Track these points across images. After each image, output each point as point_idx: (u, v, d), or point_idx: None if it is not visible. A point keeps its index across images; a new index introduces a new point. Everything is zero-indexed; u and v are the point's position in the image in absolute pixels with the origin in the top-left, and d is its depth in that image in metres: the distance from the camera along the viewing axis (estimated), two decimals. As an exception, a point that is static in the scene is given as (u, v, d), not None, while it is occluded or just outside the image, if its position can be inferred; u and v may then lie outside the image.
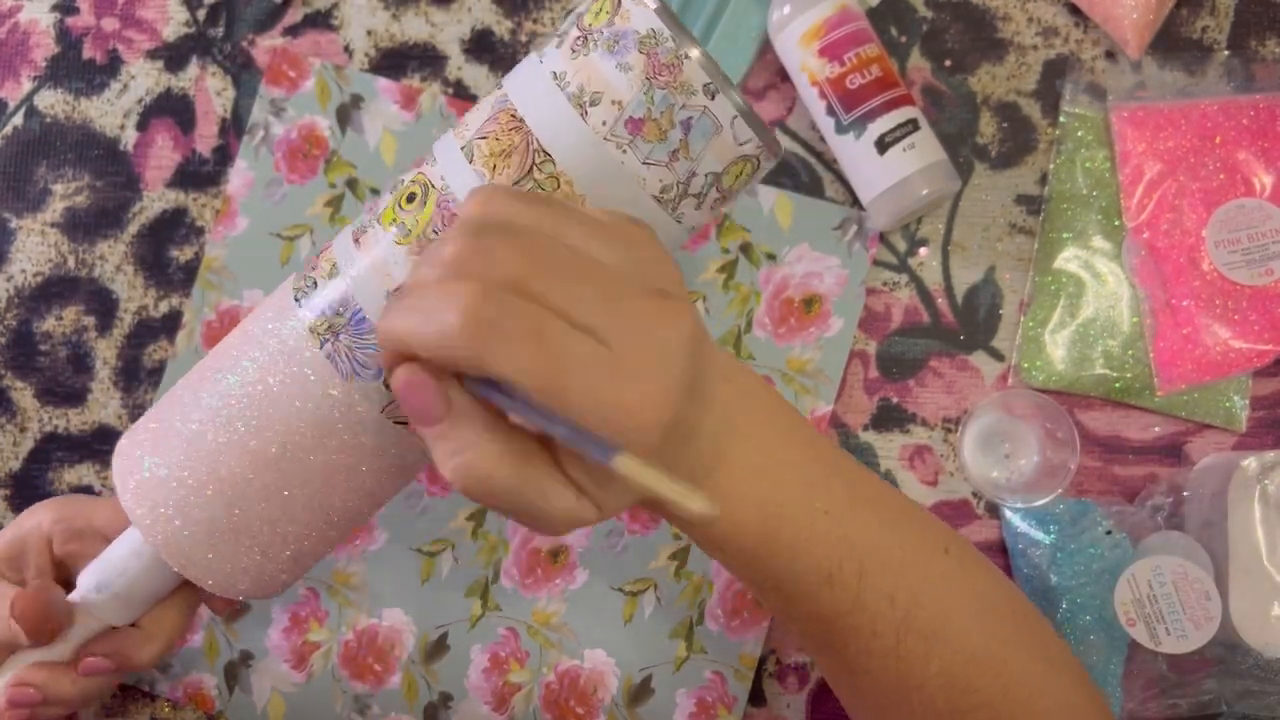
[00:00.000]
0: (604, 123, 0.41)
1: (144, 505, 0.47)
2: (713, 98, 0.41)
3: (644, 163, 0.41)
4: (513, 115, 0.42)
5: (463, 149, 0.43)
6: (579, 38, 0.42)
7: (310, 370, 0.45)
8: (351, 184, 0.70)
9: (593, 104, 0.41)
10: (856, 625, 0.44)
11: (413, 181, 0.44)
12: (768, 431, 0.43)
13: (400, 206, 0.44)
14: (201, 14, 0.72)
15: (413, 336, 0.35)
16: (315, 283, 0.46)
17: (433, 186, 0.44)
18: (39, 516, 0.54)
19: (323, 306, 0.45)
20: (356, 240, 0.45)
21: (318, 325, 0.45)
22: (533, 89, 0.43)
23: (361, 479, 0.46)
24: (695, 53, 0.41)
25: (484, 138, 0.43)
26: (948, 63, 0.68)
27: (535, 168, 0.42)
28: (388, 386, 0.44)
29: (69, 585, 0.52)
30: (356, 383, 0.44)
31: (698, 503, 0.32)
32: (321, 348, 0.45)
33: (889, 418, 0.66)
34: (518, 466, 0.36)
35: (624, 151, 0.41)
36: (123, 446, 0.48)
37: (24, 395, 0.70)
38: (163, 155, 0.71)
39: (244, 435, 0.45)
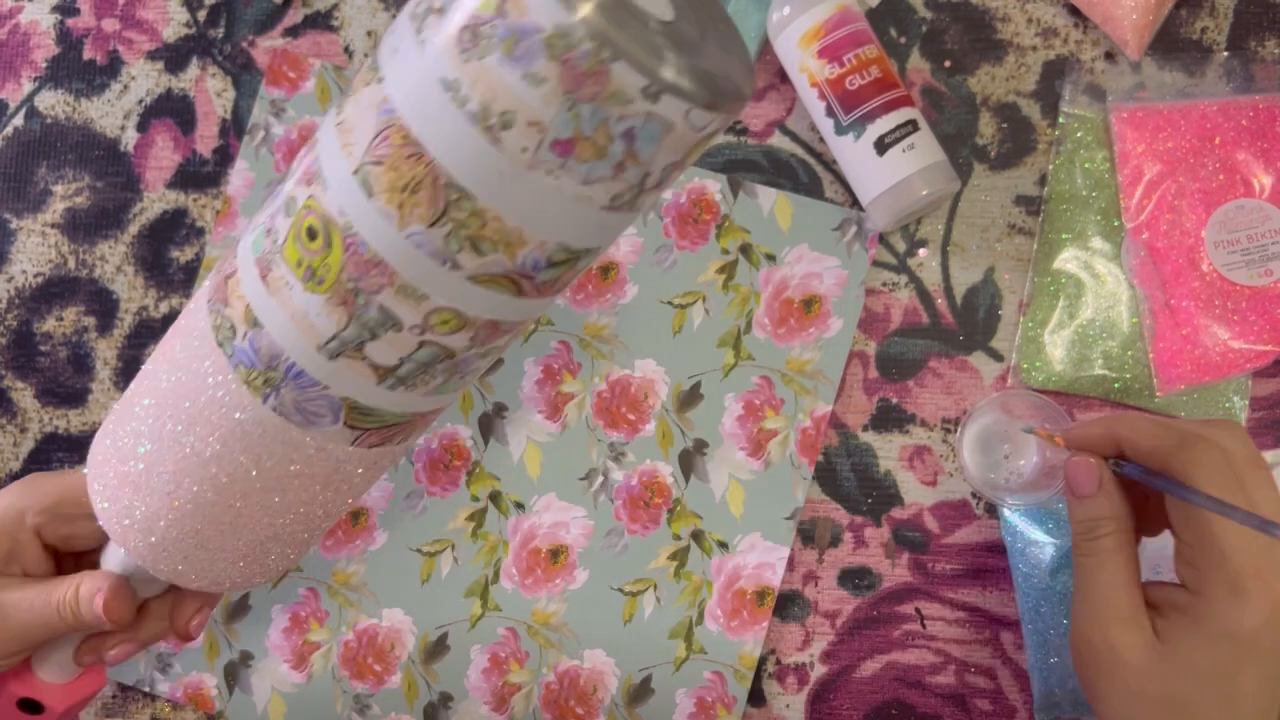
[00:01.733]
0: (524, 149, 0.34)
1: (106, 499, 0.47)
2: (656, 100, 0.33)
3: (584, 183, 0.35)
4: (406, 138, 0.35)
5: (355, 174, 0.37)
6: (467, 31, 0.34)
7: (259, 426, 0.43)
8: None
9: (504, 127, 0.34)
10: None
11: (306, 208, 0.38)
12: None
13: (304, 243, 0.39)
14: (202, 15, 0.72)
15: None
16: (234, 328, 0.42)
17: (334, 223, 0.38)
18: (11, 502, 0.53)
19: (252, 359, 0.41)
20: (264, 278, 0.40)
21: (253, 378, 0.42)
22: (423, 100, 0.35)
23: (322, 495, 0.46)
24: (587, 8, 0.32)
25: (378, 163, 0.36)
26: (947, 63, 0.68)
27: (451, 205, 0.35)
28: (349, 426, 0.43)
29: (63, 568, 0.54)
30: (315, 430, 0.43)
31: None
32: (265, 402, 0.42)
33: (888, 418, 0.66)
34: None
35: (557, 178, 0.34)
36: (92, 448, 0.48)
37: (24, 395, 0.70)
38: (163, 156, 0.71)
39: (199, 483, 0.45)
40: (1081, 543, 0.49)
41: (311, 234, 0.38)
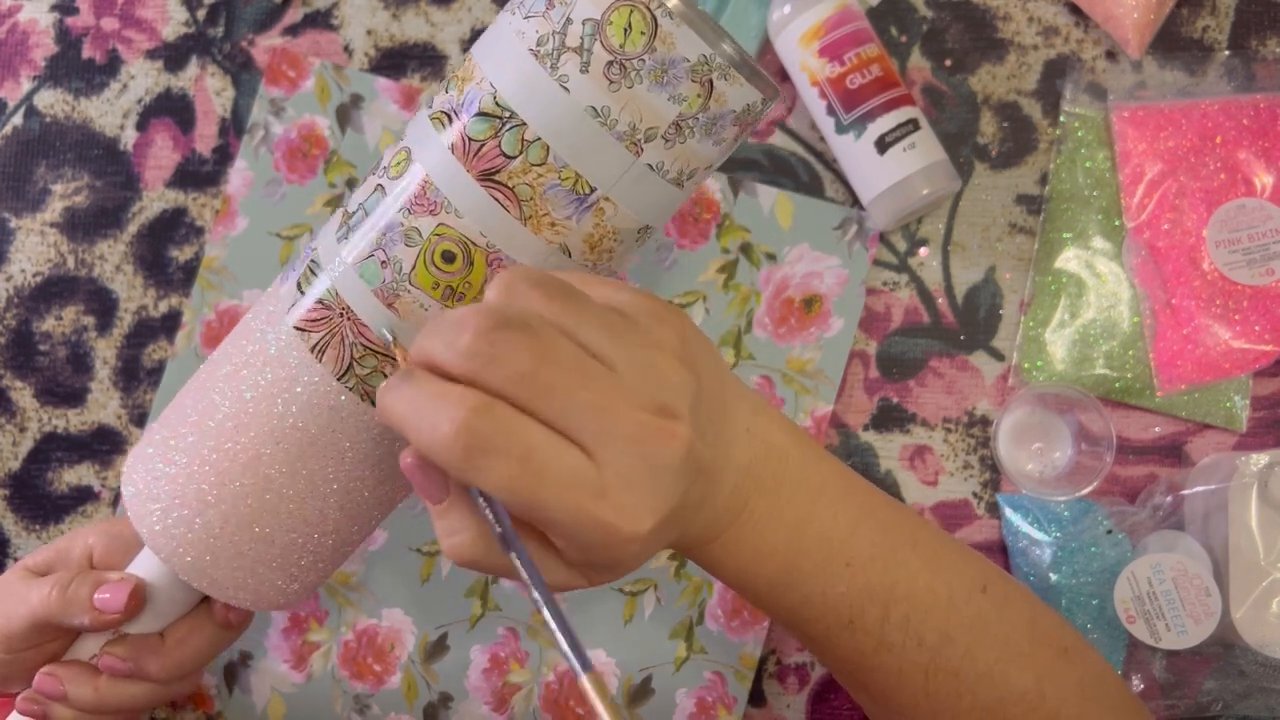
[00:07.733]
0: (516, 6, 0.43)
1: (141, 502, 0.47)
2: None
3: (525, 18, 0.42)
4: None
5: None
6: None
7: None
8: (351, 184, 0.70)
9: (520, 3, 0.43)
10: (882, 665, 0.45)
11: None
12: (792, 488, 0.43)
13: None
14: (201, 14, 0.72)
15: (409, 431, 0.36)
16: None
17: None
18: (86, 530, 0.54)
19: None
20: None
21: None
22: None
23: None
24: None
25: None
26: (948, 62, 0.68)
27: (470, 73, 0.43)
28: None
29: None
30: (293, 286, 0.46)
31: None
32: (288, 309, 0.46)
33: (889, 418, 0.66)
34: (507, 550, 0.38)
35: (512, 14, 0.42)
36: (135, 449, 0.49)
37: (23, 395, 0.70)
38: (162, 155, 0.71)
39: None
40: None
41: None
